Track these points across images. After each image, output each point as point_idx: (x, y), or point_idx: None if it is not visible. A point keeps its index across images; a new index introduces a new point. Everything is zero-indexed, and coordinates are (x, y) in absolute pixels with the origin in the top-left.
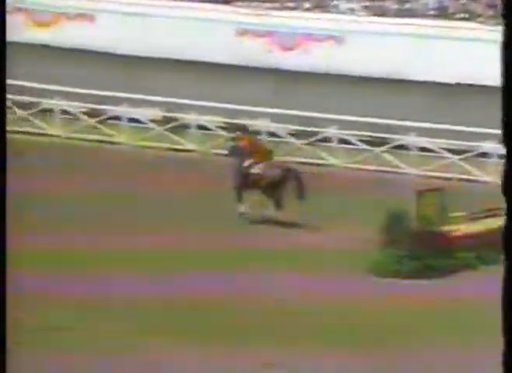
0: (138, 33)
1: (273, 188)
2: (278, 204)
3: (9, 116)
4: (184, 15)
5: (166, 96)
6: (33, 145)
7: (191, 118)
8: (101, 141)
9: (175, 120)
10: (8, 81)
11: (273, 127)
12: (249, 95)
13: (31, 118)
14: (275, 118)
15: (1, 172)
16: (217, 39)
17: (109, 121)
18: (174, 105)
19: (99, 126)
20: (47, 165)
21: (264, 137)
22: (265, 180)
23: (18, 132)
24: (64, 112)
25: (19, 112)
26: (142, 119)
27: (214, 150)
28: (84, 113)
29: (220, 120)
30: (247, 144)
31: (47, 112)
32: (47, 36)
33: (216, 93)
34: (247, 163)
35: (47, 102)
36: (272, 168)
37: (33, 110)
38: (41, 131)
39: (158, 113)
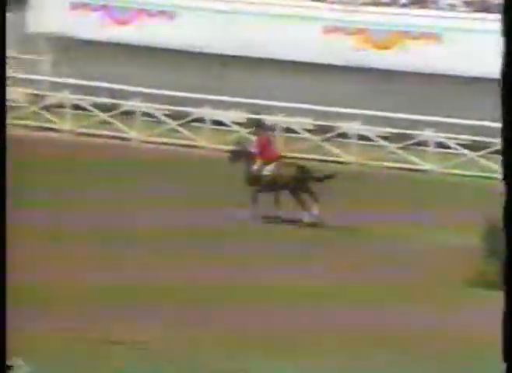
0: (220, 30)
1: (293, 187)
2: (315, 200)
3: (90, 119)
4: (269, 12)
5: (250, 97)
6: (115, 149)
7: (277, 120)
8: (182, 145)
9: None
10: (87, 83)
11: (364, 129)
12: (338, 95)
13: (112, 120)
14: (367, 120)
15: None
16: (304, 36)
17: (192, 124)
18: (259, 106)
19: (180, 129)
20: (126, 170)
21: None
22: (281, 181)
23: (96, 136)
24: (146, 114)
25: (101, 114)
26: (226, 121)
27: (302, 154)
28: (166, 115)
29: (308, 121)
30: (259, 145)
31: (128, 114)
32: (126, 35)
33: (304, 94)
34: (256, 166)
35: (128, 104)
36: (284, 167)
37: (114, 112)
38: (121, 135)
39: (242, 115)
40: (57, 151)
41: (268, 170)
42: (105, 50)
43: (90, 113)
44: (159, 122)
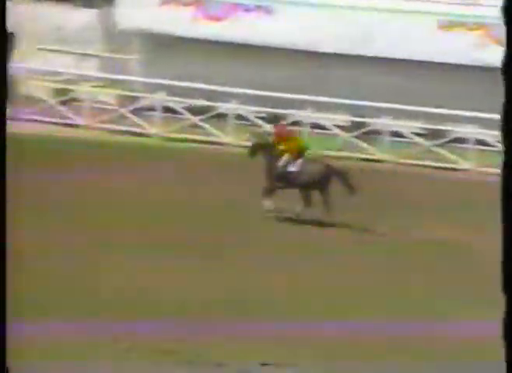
0: (322, 26)
1: (317, 186)
2: (327, 202)
3: (181, 123)
4: (377, 6)
5: (355, 99)
6: (206, 154)
7: (383, 123)
8: None
9: (366, 125)
10: (178, 83)
11: (482, 134)
12: (454, 97)
13: (202, 124)
14: (484, 124)
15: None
16: (417, 32)
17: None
18: (364, 108)
19: None
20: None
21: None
22: (307, 178)
23: (187, 140)
24: (240, 117)
25: (192, 117)
26: (328, 125)
27: (407, 160)
28: (261, 118)
29: (418, 125)
30: (281, 139)
31: (220, 117)
32: (220, 31)
33: (414, 95)
34: (282, 162)
35: (221, 107)
36: (312, 164)
37: (206, 116)
38: (213, 139)
39: (346, 118)
40: (144, 156)
41: (295, 166)
42: (197, 48)
43: (181, 116)
44: (254, 125)
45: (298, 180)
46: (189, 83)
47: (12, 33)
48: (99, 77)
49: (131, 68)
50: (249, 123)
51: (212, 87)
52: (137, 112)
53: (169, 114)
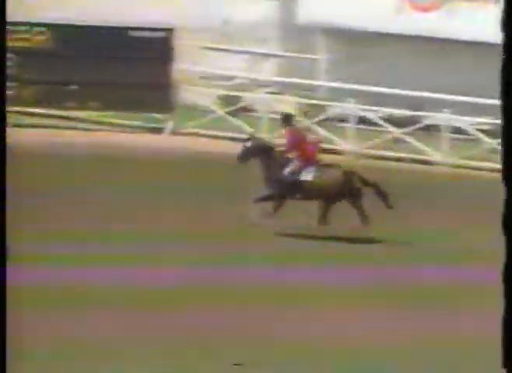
0: None
1: (347, 197)
2: (364, 215)
3: (380, 136)
4: None
5: None
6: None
7: None
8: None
9: None
10: (376, 89)
11: None
12: None
13: (409, 139)
14: None
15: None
16: None
17: None
18: None
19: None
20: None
21: None
22: (327, 188)
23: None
24: (456, 130)
25: (394, 130)
26: None
27: None
28: (482, 131)
29: None
30: (293, 141)
31: (430, 130)
32: (430, 25)
33: None
34: (289, 169)
35: (431, 117)
36: (329, 171)
37: (410, 128)
38: (422, 157)
39: None
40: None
41: (308, 175)
42: (400, 46)
43: (380, 129)
44: (475, 140)
45: (320, 192)
46: (389, 89)
47: (171, 29)
48: (277, 81)
49: (316, 71)
50: (465, 137)
51: (420, 94)
52: (329, 123)
53: (362, 126)
